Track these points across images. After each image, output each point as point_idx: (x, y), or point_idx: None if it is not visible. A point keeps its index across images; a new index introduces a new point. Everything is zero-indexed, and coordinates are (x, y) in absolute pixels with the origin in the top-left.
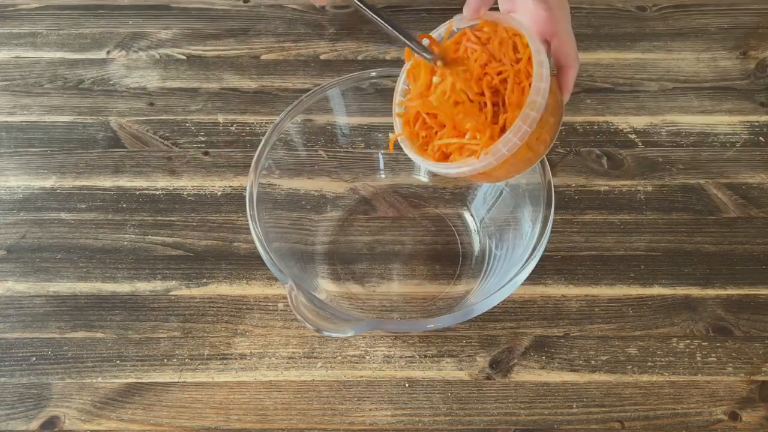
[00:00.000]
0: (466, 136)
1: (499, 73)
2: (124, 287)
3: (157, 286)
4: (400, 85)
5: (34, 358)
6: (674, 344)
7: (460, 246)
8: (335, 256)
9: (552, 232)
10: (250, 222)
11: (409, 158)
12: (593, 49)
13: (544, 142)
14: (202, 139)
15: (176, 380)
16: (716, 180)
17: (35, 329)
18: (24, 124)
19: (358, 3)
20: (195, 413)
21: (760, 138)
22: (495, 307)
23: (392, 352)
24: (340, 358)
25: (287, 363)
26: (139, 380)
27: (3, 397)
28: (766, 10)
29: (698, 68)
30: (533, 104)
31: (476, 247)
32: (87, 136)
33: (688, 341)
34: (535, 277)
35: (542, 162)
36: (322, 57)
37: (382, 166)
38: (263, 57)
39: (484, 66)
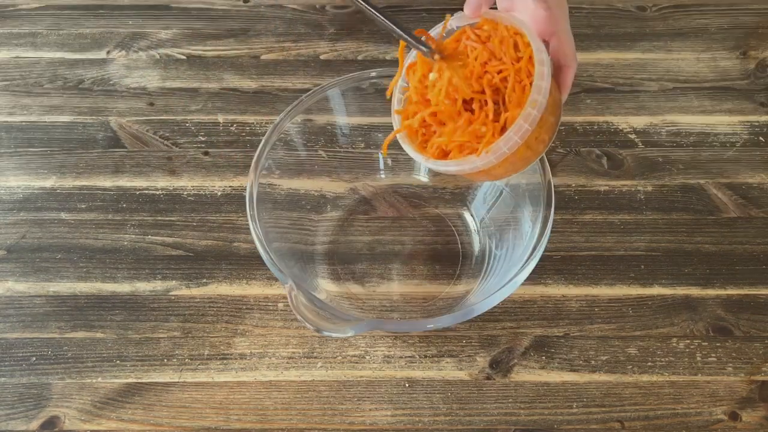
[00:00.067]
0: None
1: (500, 72)
2: (124, 287)
3: (157, 286)
4: (399, 82)
5: (34, 358)
6: (674, 344)
7: (460, 246)
8: (335, 256)
9: (552, 232)
10: (250, 222)
11: (409, 158)
12: (593, 49)
13: (543, 142)
14: (202, 139)
15: (176, 380)
16: (716, 180)
17: (35, 329)
18: (24, 124)
19: None
20: (195, 413)
21: (760, 138)
22: (495, 307)
23: (392, 352)
24: (340, 358)
25: (287, 363)
26: (139, 380)
27: (3, 397)
28: (766, 10)
29: (698, 68)
30: (534, 103)
31: (476, 247)
32: (87, 136)
33: (688, 341)
34: (535, 277)
35: (542, 162)
36: (322, 57)
37: (382, 166)
38: (263, 57)
39: (485, 64)
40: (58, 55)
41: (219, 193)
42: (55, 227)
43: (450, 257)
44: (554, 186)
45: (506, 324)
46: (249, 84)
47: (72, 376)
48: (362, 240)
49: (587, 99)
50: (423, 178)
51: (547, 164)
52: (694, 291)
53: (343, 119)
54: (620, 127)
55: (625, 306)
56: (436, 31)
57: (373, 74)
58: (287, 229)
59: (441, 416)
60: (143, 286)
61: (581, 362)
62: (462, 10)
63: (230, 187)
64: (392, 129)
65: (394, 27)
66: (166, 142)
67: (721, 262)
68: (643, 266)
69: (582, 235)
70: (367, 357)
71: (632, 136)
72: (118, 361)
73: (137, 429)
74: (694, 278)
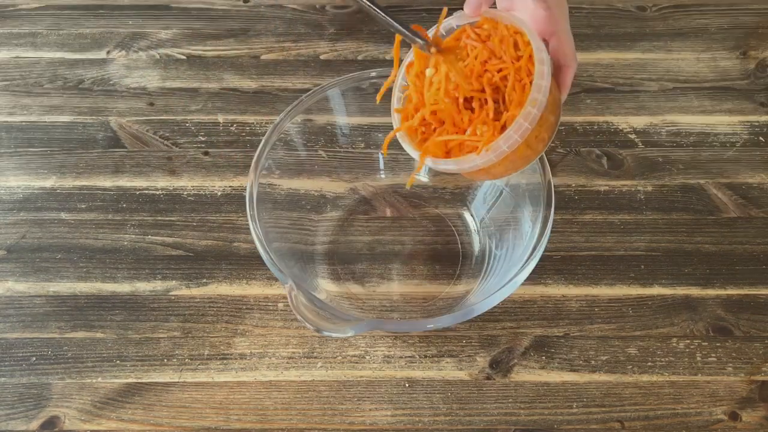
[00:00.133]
0: (467, 133)
1: (500, 71)
2: (124, 287)
3: (157, 286)
4: (398, 81)
5: (34, 358)
6: (674, 344)
7: (460, 246)
8: (335, 256)
9: (552, 232)
10: (250, 222)
11: (409, 158)
12: (593, 49)
13: (542, 141)
14: (202, 139)
15: (176, 380)
16: (716, 180)
17: (35, 329)
18: (24, 124)
19: None
20: (195, 413)
21: (760, 138)
22: (495, 307)
23: (392, 352)
24: (340, 358)
25: (287, 363)
26: (139, 380)
27: (3, 397)
28: (766, 10)
29: (698, 68)
30: (535, 102)
31: (476, 247)
32: (87, 136)
33: (688, 341)
34: (535, 277)
35: (542, 162)
36: (322, 57)
37: (382, 166)
38: (263, 57)
39: (485, 63)
40: (58, 55)
41: (219, 193)
42: (55, 227)
43: (450, 257)
44: (554, 186)
45: (506, 324)
46: (249, 84)
47: (72, 376)
48: (362, 240)
49: (587, 99)
50: (423, 178)
51: (547, 164)
52: (694, 291)
53: (343, 119)
54: (620, 127)
55: (625, 306)
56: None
57: (373, 74)
58: (287, 229)
59: (441, 416)
60: (143, 286)
61: (581, 362)
62: (462, 9)
63: (230, 187)
64: (392, 129)
65: (391, 20)
66: (166, 142)
67: (721, 262)
68: (643, 266)
69: (582, 235)
70: (367, 357)
71: (632, 136)
72: (118, 361)
73: (137, 429)
74: (694, 278)
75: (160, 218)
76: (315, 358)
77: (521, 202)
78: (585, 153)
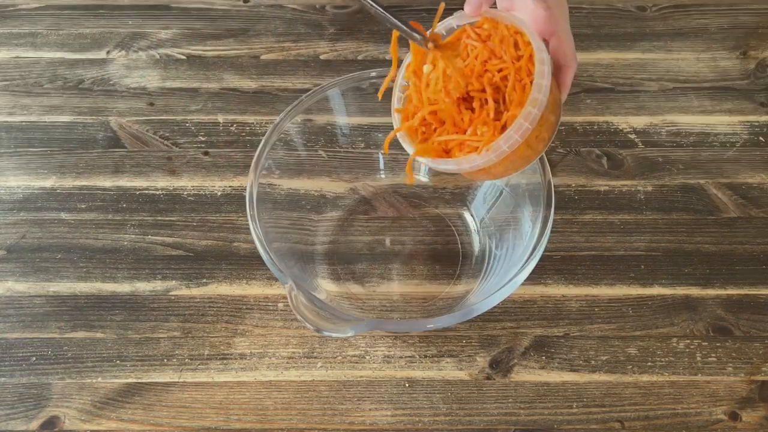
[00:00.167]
0: (467, 133)
1: (500, 70)
2: (124, 287)
3: (157, 286)
4: (399, 81)
5: (34, 358)
6: (674, 344)
7: (460, 246)
8: (335, 256)
9: (552, 232)
10: (250, 222)
11: (409, 155)
12: (593, 49)
13: (543, 141)
14: (202, 139)
15: (176, 380)
16: (716, 180)
17: (35, 329)
18: (24, 124)
19: None
20: (195, 413)
21: (760, 138)
22: (495, 307)
23: (392, 352)
24: (340, 358)
25: (287, 363)
26: (139, 380)
27: (3, 397)
28: (766, 10)
29: (698, 68)
30: (535, 101)
31: (476, 247)
32: (87, 136)
33: (688, 341)
34: (535, 277)
35: (542, 162)
36: (322, 57)
37: (382, 166)
38: (263, 57)
39: (485, 63)
40: (58, 55)
41: (219, 193)
42: (55, 227)
43: (450, 257)
44: (554, 186)
45: (506, 324)
46: (249, 84)
47: (72, 376)
48: (362, 240)
49: (587, 99)
50: (423, 178)
51: (547, 164)
52: (694, 291)
53: (343, 119)
54: (620, 127)
55: (625, 306)
56: (437, 29)
57: (373, 74)
58: (287, 229)
59: (441, 416)
60: (143, 286)
61: (581, 362)
62: (462, 9)
63: (230, 187)
64: (392, 128)
65: (388, 16)
66: (166, 142)
67: (721, 262)
68: (643, 266)
69: (582, 235)
70: (367, 357)
71: (632, 136)
72: (118, 361)
73: (137, 429)
74: (694, 278)
75: (160, 218)
76: (315, 358)
77: (521, 202)
78: (585, 153)
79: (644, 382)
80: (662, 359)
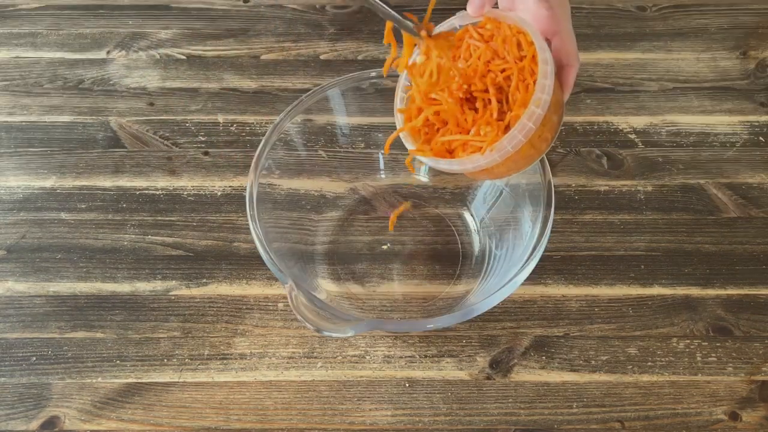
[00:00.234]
0: (470, 133)
1: (503, 71)
2: (124, 287)
3: (157, 286)
4: (401, 81)
5: (34, 358)
6: (674, 344)
7: (460, 246)
8: (335, 256)
9: (552, 232)
10: (250, 222)
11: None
12: (593, 49)
13: (546, 140)
14: (202, 139)
15: (176, 380)
16: (716, 180)
17: (35, 329)
18: (24, 124)
19: None
20: (195, 413)
21: (760, 138)
22: (495, 307)
23: (392, 352)
24: (340, 358)
25: (287, 363)
26: (139, 380)
27: (3, 397)
28: (766, 10)
29: (698, 68)
30: (539, 101)
31: (476, 247)
32: (87, 136)
33: (688, 341)
34: (535, 277)
35: (542, 162)
36: (322, 57)
37: (382, 166)
38: (263, 57)
39: (488, 63)
40: (58, 55)
41: (219, 193)
42: (55, 227)
43: (450, 257)
44: (554, 186)
45: (506, 324)
46: (249, 84)
47: (72, 376)
48: (362, 240)
49: (587, 99)
50: (423, 178)
51: (547, 164)
52: (694, 291)
53: (343, 119)
54: (620, 127)
55: (625, 306)
56: (438, 29)
57: (373, 74)
58: (287, 229)
59: (441, 416)
60: (143, 286)
61: (581, 362)
62: (464, 9)
63: (230, 187)
64: (392, 128)
65: (379, 3)
66: (166, 142)
67: (721, 262)
68: (643, 266)
69: (582, 235)
70: (367, 357)
71: (632, 136)
72: (118, 361)
73: (137, 429)
74: (694, 278)
75: (160, 218)
76: (315, 358)
77: (521, 202)
78: (585, 153)
79: (644, 382)
80: (662, 359)
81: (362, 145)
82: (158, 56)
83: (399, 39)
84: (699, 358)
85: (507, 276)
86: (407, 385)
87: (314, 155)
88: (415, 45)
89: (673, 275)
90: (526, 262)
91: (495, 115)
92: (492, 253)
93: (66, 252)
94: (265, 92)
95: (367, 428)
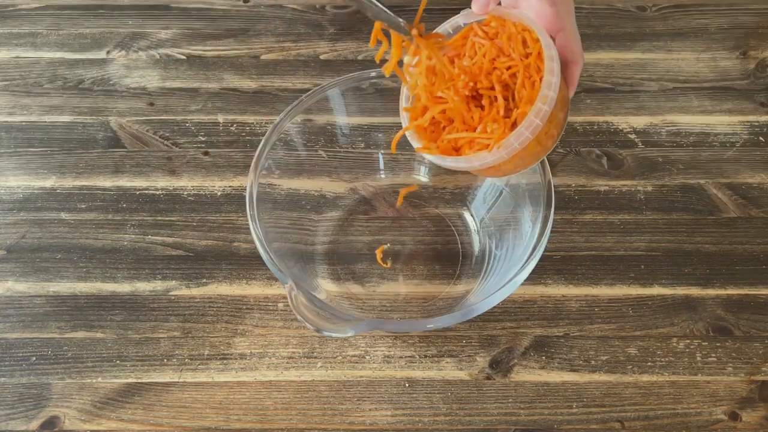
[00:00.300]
0: (477, 130)
1: (509, 68)
2: (124, 287)
3: (157, 286)
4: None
5: (34, 358)
6: (674, 344)
7: (460, 246)
8: (335, 256)
9: (552, 232)
10: (250, 222)
11: (409, 158)
12: (593, 49)
13: (552, 137)
14: (202, 139)
15: (176, 380)
16: (716, 180)
17: (35, 329)
18: (24, 124)
19: None
20: (195, 413)
21: (760, 138)
22: (495, 307)
23: (392, 352)
24: (340, 358)
25: (287, 363)
26: (139, 380)
27: (3, 397)
28: (766, 10)
29: (698, 68)
30: (545, 98)
31: (476, 247)
32: (87, 136)
33: (688, 341)
34: (535, 277)
35: (542, 162)
36: (322, 57)
37: (382, 166)
38: (263, 57)
39: (493, 60)
40: (58, 55)
41: (219, 193)
42: (55, 227)
43: (450, 257)
44: (554, 186)
45: (506, 324)
46: (249, 84)
47: (72, 376)
48: (362, 240)
49: (587, 99)
50: (423, 178)
51: (547, 164)
52: (694, 291)
53: (343, 119)
54: (620, 127)
55: (625, 306)
56: (443, 28)
57: (373, 74)
58: (287, 229)
59: (441, 416)
60: (143, 286)
61: (581, 362)
62: (465, 8)
63: (230, 187)
64: (392, 127)
65: (371, 2)
66: (166, 142)
67: (721, 262)
68: (643, 266)
69: (582, 235)
70: (367, 357)
71: (632, 136)
72: (118, 361)
73: (137, 429)
74: (694, 278)
75: (160, 218)
76: (315, 358)
77: (521, 202)
78: (585, 153)
79: (644, 382)
80: (662, 359)
81: (362, 145)
82: (158, 56)
83: (387, 39)
84: (699, 358)
85: (507, 276)
86: (407, 385)
87: (314, 155)
88: (403, 46)
89: (673, 275)
90: (526, 262)
91: (501, 112)
92: (492, 253)
93: (66, 252)
94: (265, 92)
95: (367, 428)
